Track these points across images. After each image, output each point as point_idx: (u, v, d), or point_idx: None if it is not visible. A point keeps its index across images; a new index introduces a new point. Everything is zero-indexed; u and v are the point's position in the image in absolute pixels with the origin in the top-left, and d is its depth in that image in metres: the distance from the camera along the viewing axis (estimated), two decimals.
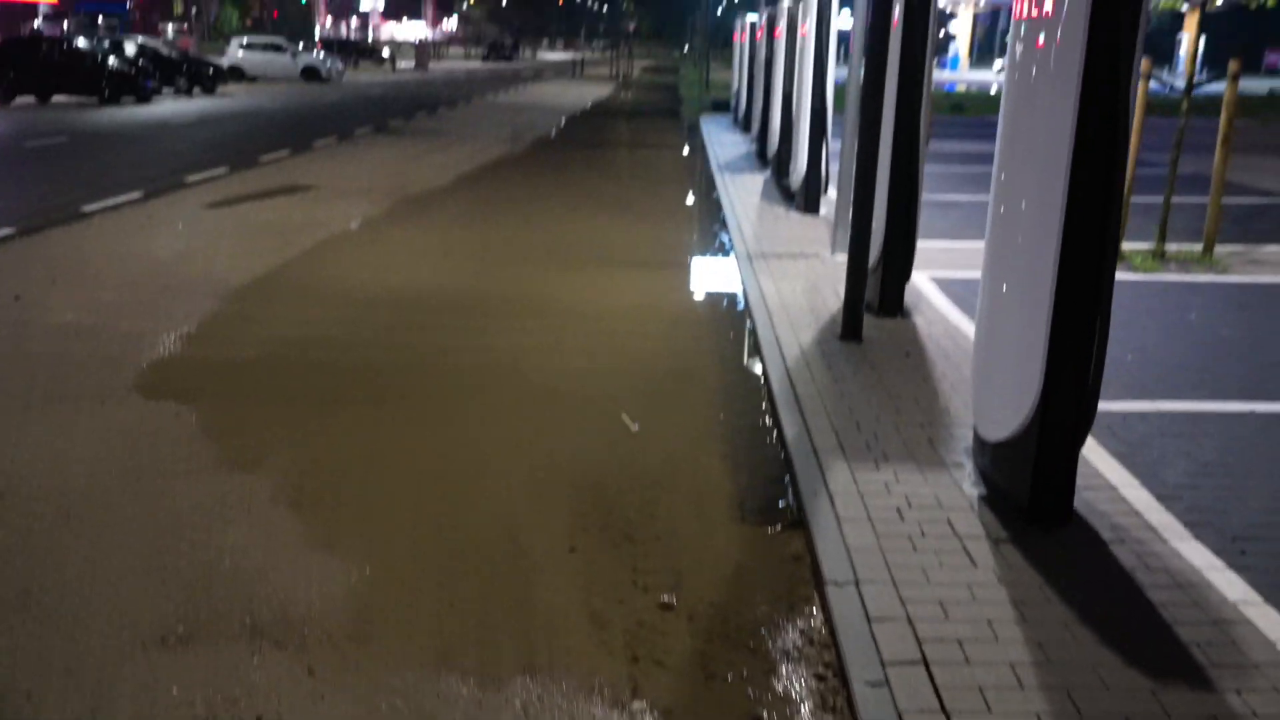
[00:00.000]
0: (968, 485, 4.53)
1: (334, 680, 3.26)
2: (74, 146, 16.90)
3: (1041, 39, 3.91)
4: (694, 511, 4.52)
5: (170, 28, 71.19)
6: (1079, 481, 4.47)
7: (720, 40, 55.91)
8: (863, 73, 6.50)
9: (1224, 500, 4.41)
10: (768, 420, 5.63)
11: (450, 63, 70.76)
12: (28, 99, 25.75)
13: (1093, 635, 3.38)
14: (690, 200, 13.58)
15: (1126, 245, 9.17)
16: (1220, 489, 4.53)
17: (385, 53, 61.62)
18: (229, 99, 28.56)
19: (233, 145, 17.56)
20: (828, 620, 3.59)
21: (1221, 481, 4.61)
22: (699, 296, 8.57)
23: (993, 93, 40.38)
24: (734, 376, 6.46)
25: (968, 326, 7.02)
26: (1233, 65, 8.89)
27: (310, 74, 39.02)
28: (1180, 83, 9.01)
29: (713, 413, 5.79)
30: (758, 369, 6.47)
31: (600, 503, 4.57)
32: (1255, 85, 51.39)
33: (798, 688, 3.28)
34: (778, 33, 14.44)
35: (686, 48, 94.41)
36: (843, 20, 18.29)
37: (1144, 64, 8.98)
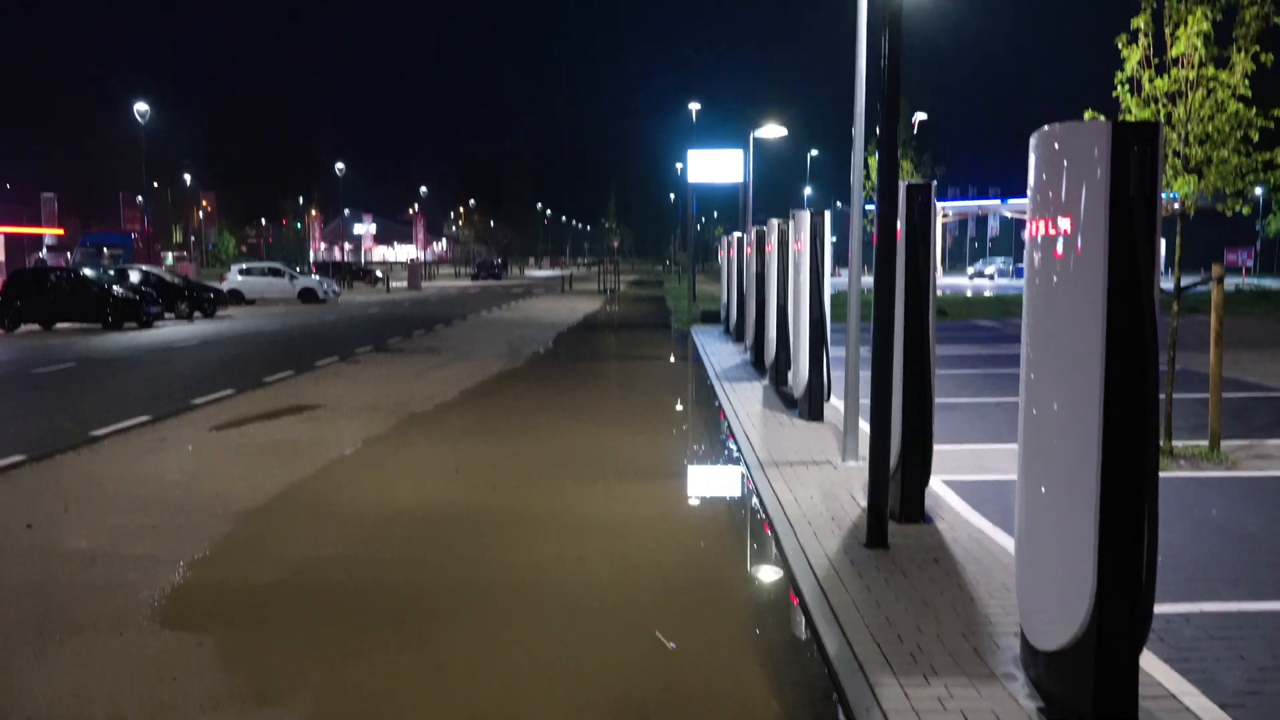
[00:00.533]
0: (1023, 698, 4.40)
1: None
2: (81, 372, 17.11)
3: (1060, 249, 4.09)
4: None
5: (170, 255, 73.56)
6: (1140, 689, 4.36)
7: (701, 254, 58.13)
8: (874, 283, 6.73)
9: None
10: (805, 633, 5.50)
11: (441, 282, 72.91)
12: (32, 326, 26.26)
13: None
14: (694, 409, 13.74)
15: None
16: None
17: (379, 274, 63.59)
18: (229, 322, 29.18)
19: (236, 367, 17.81)
20: None
21: None
22: (717, 506, 8.54)
23: (969, 295, 41.65)
24: (763, 588, 6.36)
25: (992, 531, 7.00)
26: (1217, 269, 9.29)
27: (308, 296, 40.05)
28: (1166, 284, 9.36)
29: (748, 626, 5.66)
30: (787, 579, 6.38)
31: None
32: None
33: None
34: (769, 248, 15.03)
35: (669, 262, 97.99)
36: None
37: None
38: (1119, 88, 9.06)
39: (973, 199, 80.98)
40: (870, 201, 14.76)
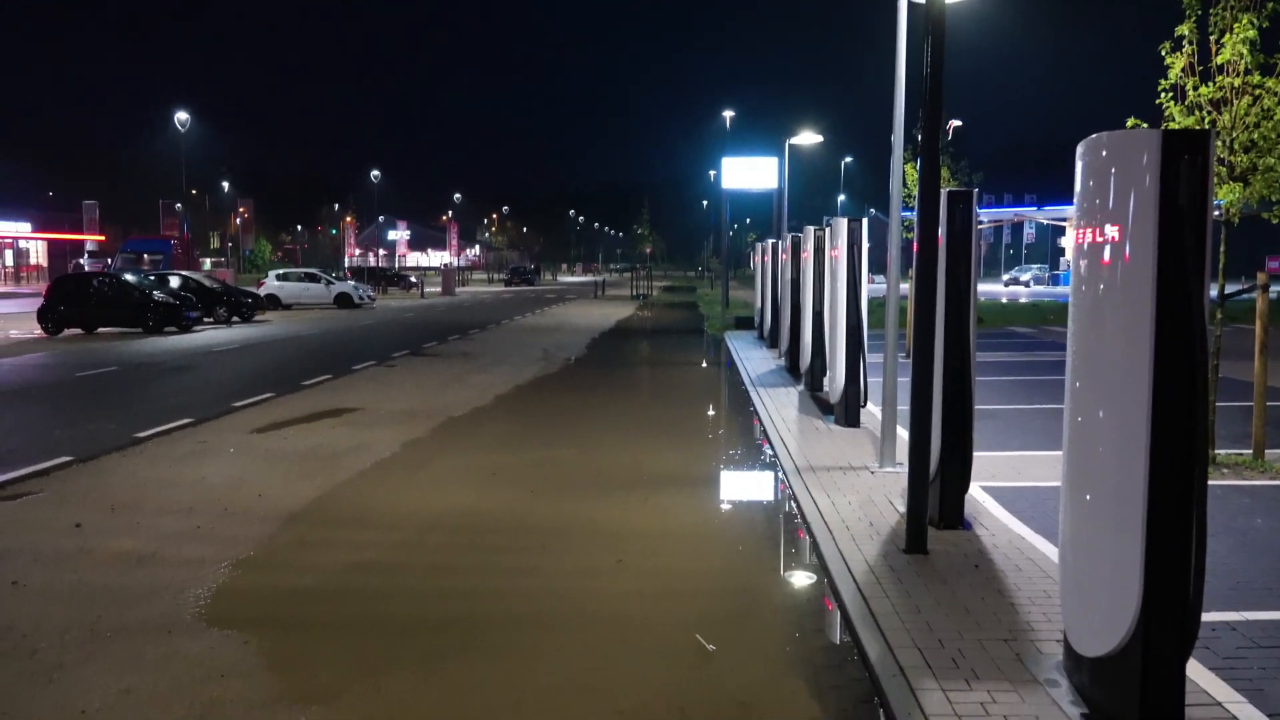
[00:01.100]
0: (1067, 704, 4.39)
1: None
2: (123, 376, 17.38)
3: (1108, 257, 4.08)
4: None
5: (208, 261, 74.49)
6: (1186, 697, 4.34)
7: (733, 260, 57.99)
8: (914, 291, 6.72)
9: None
10: (845, 638, 5.51)
11: (475, 287, 73.34)
12: (75, 331, 26.70)
13: None
14: (730, 415, 13.75)
15: None
16: None
17: (414, 279, 64.07)
18: (267, 326, 29.50)
19: (275, 371, 18.02)
20: None
21: None
22: (755, 512, 8.54)
23: (1004, 302, 41.34)
24: (803, 593, 6.37)
25: (1033, 537, 6.97)
26: (1261, 276, 9.18)
27: (343, 301, 40.41)
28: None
29: (788, 632, 5.67)
30: (826, 586, 6.38)
31: None
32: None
33: None
34: (805, 255, 15.03)
35: (701, 269, 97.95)
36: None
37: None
38: (1162, 95, 9.00)
39: (1008, 206, 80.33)
40: (908, 208, 14.73)
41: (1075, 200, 4.36)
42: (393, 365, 19.27)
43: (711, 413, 14.12)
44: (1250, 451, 9.31)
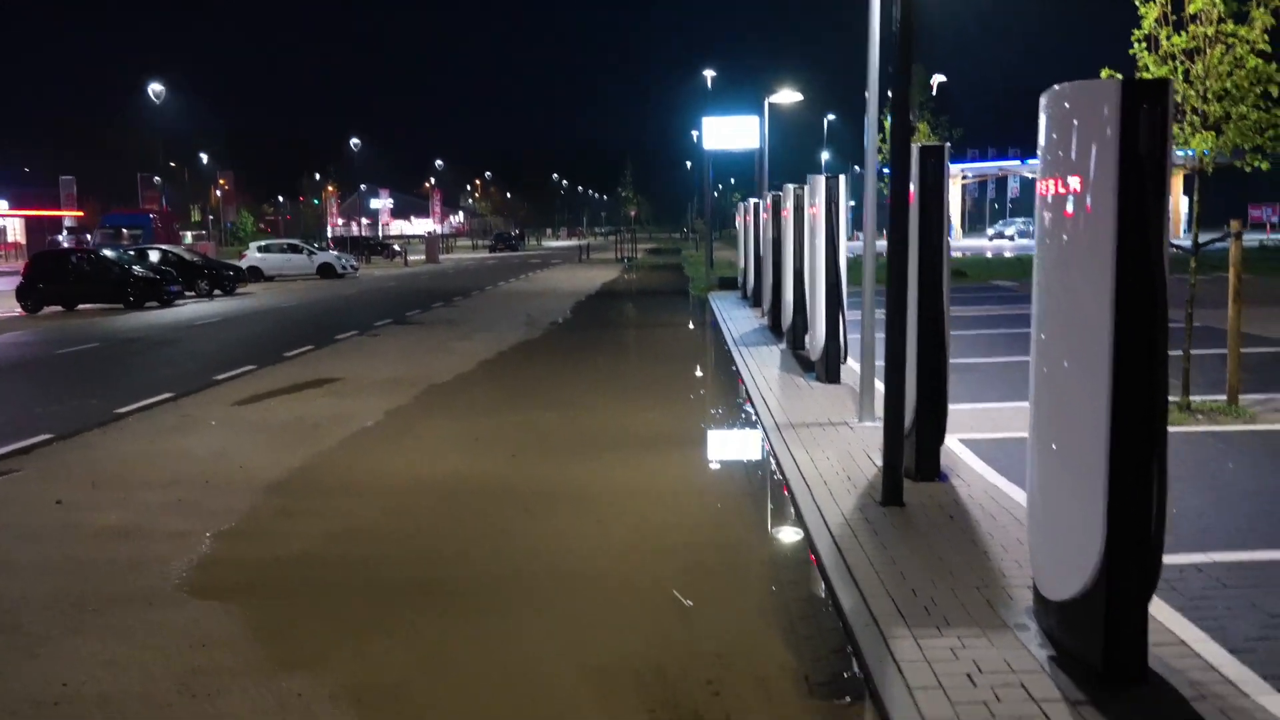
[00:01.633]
0: (1035, 647, 4.47)
1: None
2: (104, 351, 17.33)
3: (1070, 208, 4.11)
4: (760, 687, 4.44)
5: (189, 235, 73.96)
6: (1151, 638, 4.43)
7: (718, 221, 57.81)
8: (887, 246, 6.75)
9: None
10: (821, 590, 5.59)
11: (459, 254, 73.04)
12: (55, 308, 26.54)
13: None
14: (712, 374, 13.80)
15: None
16: None
17: (397, 248, 63.75)
18: (249, 299, 29.38)
19: (256, 343, 17.98)
20: None
21: None
22: (735, 469, 8.61)
23: (989, 256, 41.40)
24: (780, 547, 6.44)
25: (1007, 487, 7.05)
26: (1235, 224, 9.22)
27: (326, 271, 40.22)
28: (1178, 238, 9.29)
29: (764, 585, 5.76)
30: (804, 539, 6.46)
31: (665, 685, 4.51)
32: (1245, 239, 52.97)
33: None
34: (785, 213, 15.01)
35: (686, 230, 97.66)
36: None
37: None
38: (1136, 45, 8.99)
39: (993, 160, 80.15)
40: (886, 165, 14.71)
41: (1039, 152, 4.38)
42: (376, 334, 19.25)
43: (693, 373, 14.17)
44: (1225, 398, 9.40)
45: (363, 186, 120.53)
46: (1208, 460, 7.64)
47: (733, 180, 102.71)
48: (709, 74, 36.14)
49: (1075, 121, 4.09)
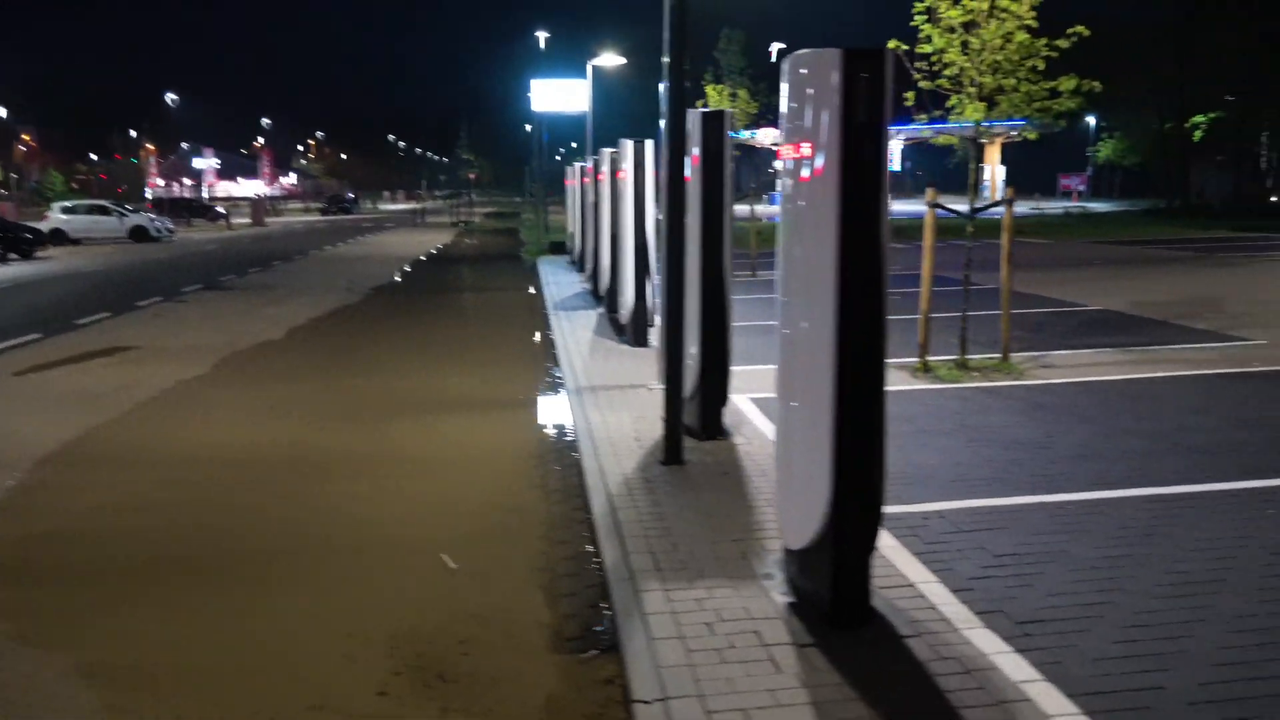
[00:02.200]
0: (777, 595, 4.68)
1: None
2: None
3: (805, 174, 4.27)
4: (510, 645, 4.51)
5: None
6: (884, 582, 4.71)
7: (556, 185, 57.56)
8: (665, 213, 6.87)
9: (1013, 589, 4.68)
10: (589, 548, 5.69)
11: (289, 217, 70.41)
12: None
13: None
14: (524, 340, 13.77)
15: (934, 357, 9.79)
16: (1011, 578, 4.81)
17: (221, 210, 60.88)
18: (49, 263, 27.59)
19: (48, 310, 16.91)
20: None
21: (1013, 571, 4.89)
22: (530, 432, 8.63)
23: None
24: (559, 508, 6.52)
25: None
26: (1009, 191, 9.75)
27: (139, 234, 38.09)
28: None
29: (536, 545, 5.82)
30: (582, 499, 6.55)
31: (417, 644, 4.52)
32: (1054, 205, 56.22)
33: None
34: (602, 176, 15.07)
35: (530, 193, 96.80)
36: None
37: (929, 192, 9.79)
38: (917, 17, 9.35)
39: None
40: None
41: (780, 118, 4.51)
42: (183, 300, 18.40)
43: (507, 338, 14.11)
44: (1000, 355, 9.99)
45: (184, 145, 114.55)
46: (972, 413, 8.12)
47: (574, 145, 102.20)
48: (542, 35, 35.82)
49: (808, 89, 4.23)
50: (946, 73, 9.22)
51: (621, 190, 12.20)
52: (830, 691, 3.78)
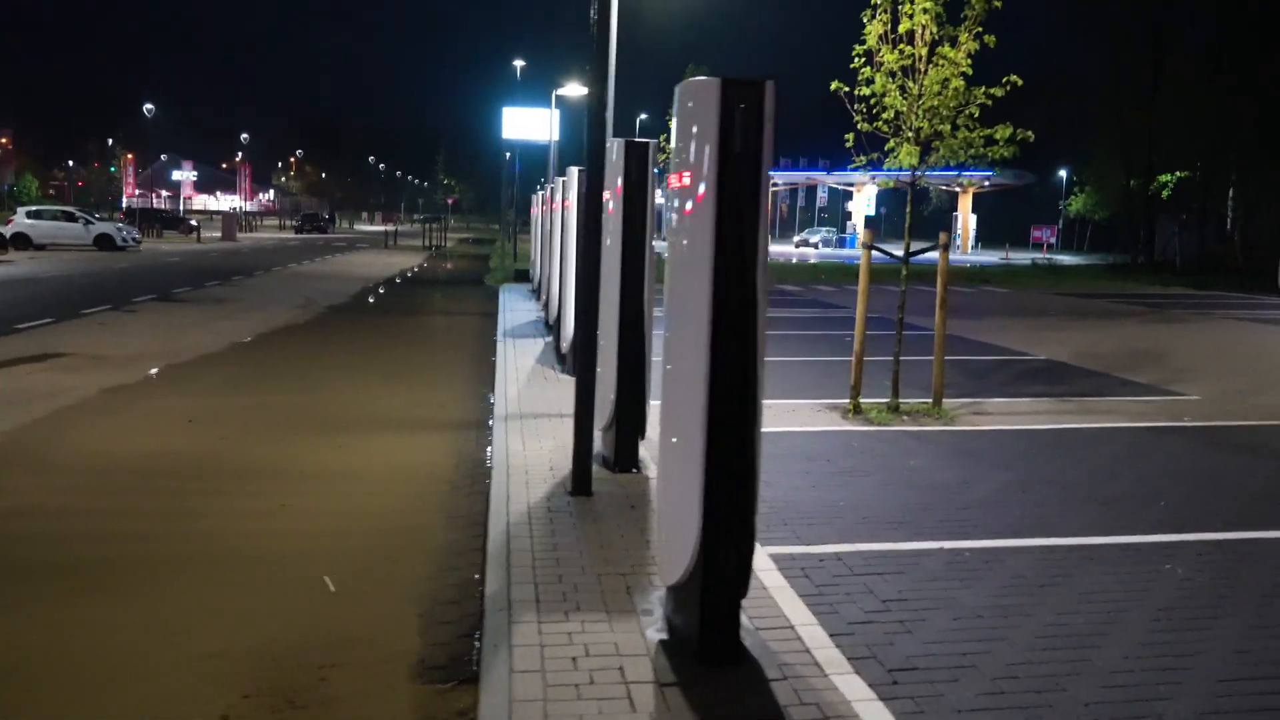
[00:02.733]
0: (652, 631, 4.58)
1: None
2: None
3: (689, 205, 4.21)
4: (371, 672, 4.38)
5: None
6: (764, 622, 4.64)
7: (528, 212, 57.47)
8: (580, 242, 6.81)
9: (893, 635, 4.61)
10: (477, 576, 5.57)
11: (264, 234, 70.04)
12: None
13: None
14: (466, 364, 13.65)
15: (867, 399, 9.76)
16: (893, 624, 4.73)
17: (193, 222, 60.48)
18: (5, 268, 27.22)
19: None
20: None
21: (896, 617, 4.82)
22: (445, 457, 8.49)
23: (783, 262, 42.83)
24: (458, 534, 6.39)
25: None
26: (943, 236, 9.78)
27: (104, 242, 37.71)
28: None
29: (424, 571, 5.69)
30: (483, 526, 6.43)
31: (277, 666, 4.39)
32: (1022, 256, 56.86)
33: None
34: (554, 205, 15.04)
35: (506, 220, 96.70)
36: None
37: (865, 234, 9.81)
38: (857, 60, 9.40)
39: (802, 170, 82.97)
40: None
41: (672, 147, 4.47)
42: (132, 310, 18.16)
43: (448, 362, 13.98)
44: (931, 400, 9.97)
45: (163, 156, 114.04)
46: (894, 456, 8.08)
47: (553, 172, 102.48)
48: (519, 64, 35.97)
49: (692, 119, 4.19)
50: (884, 116, 9.26)
51: (566, 219, 12.16)
52: None
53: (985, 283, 32.66)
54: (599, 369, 7.27)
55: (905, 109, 9.21)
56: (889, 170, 9.99)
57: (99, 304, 18.50)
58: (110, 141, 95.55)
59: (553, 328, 15.13)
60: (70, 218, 38.89)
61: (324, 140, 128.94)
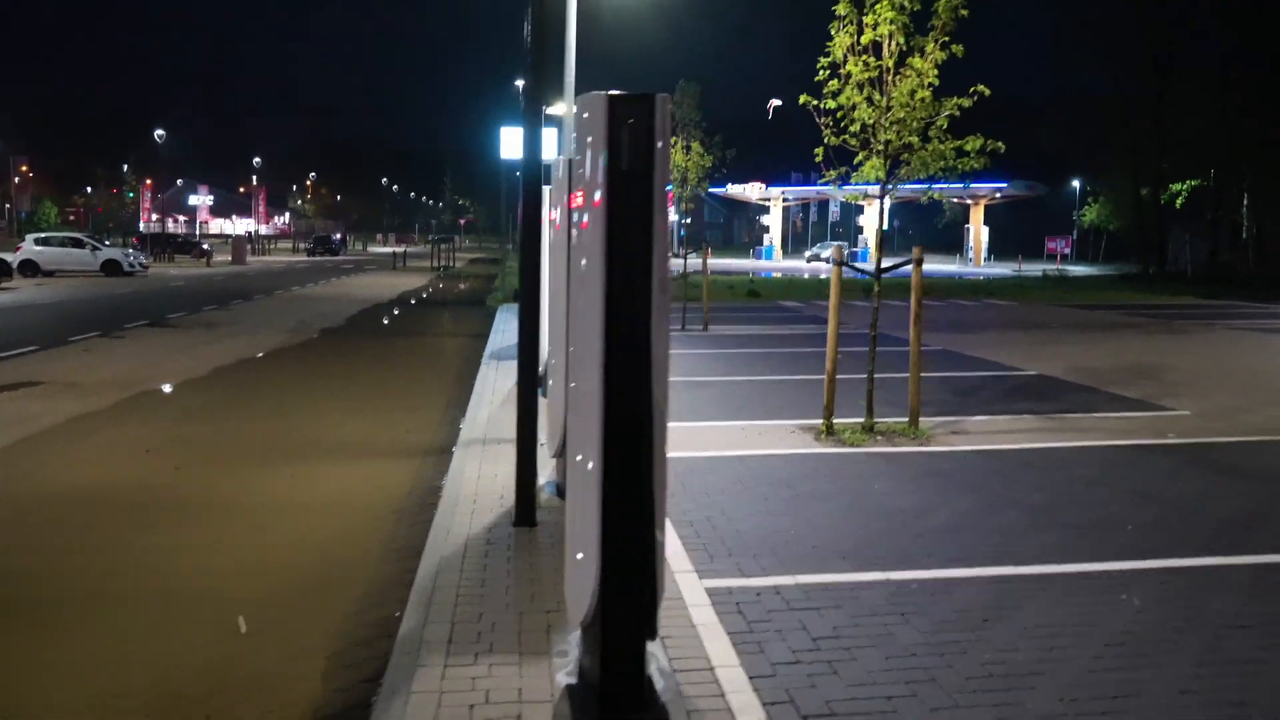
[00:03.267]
0: (562, 675, 4.36)
1: None
2: None
3: (585, 222, 4.02)
4: (260, 718, 4.17)
5: None
6: (684, 663, 4.42)
7: None
8: (519, 259, 6.63)
9: (817, 676, 4.36)
10: (398, 615, 5.36)
11: (276, 257, 70.37)
12: None
13: None
14: (445, 387, 13.47)
15: (840, 420, 9.50)
16: (819, 664, 4.49)
17: (205, 246, 60.79)
18: (7, 295, 27.33)
19: None
20: None
21: (825, 656, 4.57)
22: (398, 485, 8.28)
23: (789, 278, 42.58)
24: (391, 568, 6.18)
25: None
26: (916, 251, 9.54)
27: (111, 268, 37.88)
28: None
29: (346, 609, 5.49)
30: (415, 559, 6.21)
31: (168, 710, 4.19)
32: (1034, 268, 56.32)
33: None
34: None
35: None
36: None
37: (835, 250, 9.59)
38: (822, 72, 9.19)
39: (812, 185, 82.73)
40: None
41: (573, 164, 4.28)
42: (120, 337, 18.10)
43: (427, 385, 13.80)
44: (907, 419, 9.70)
45: (179, 181, 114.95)
46: (860, 479, 7.82)
47: None
48: (519, 84, 35.93)
49: (586, 135, 4.00)
50: (852, 129, 9.05)
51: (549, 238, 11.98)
52: None
53: (989, 295, 32.28)
54: (552, 392, 7.08)
55: (872, 121, 9.00)
56: (856, 184, 9.77)
57: (89, 330, 18.46)
58: (125, 167, 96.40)
59: None
60: (78, 244, 39.12)
61: (338, 163, 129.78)
